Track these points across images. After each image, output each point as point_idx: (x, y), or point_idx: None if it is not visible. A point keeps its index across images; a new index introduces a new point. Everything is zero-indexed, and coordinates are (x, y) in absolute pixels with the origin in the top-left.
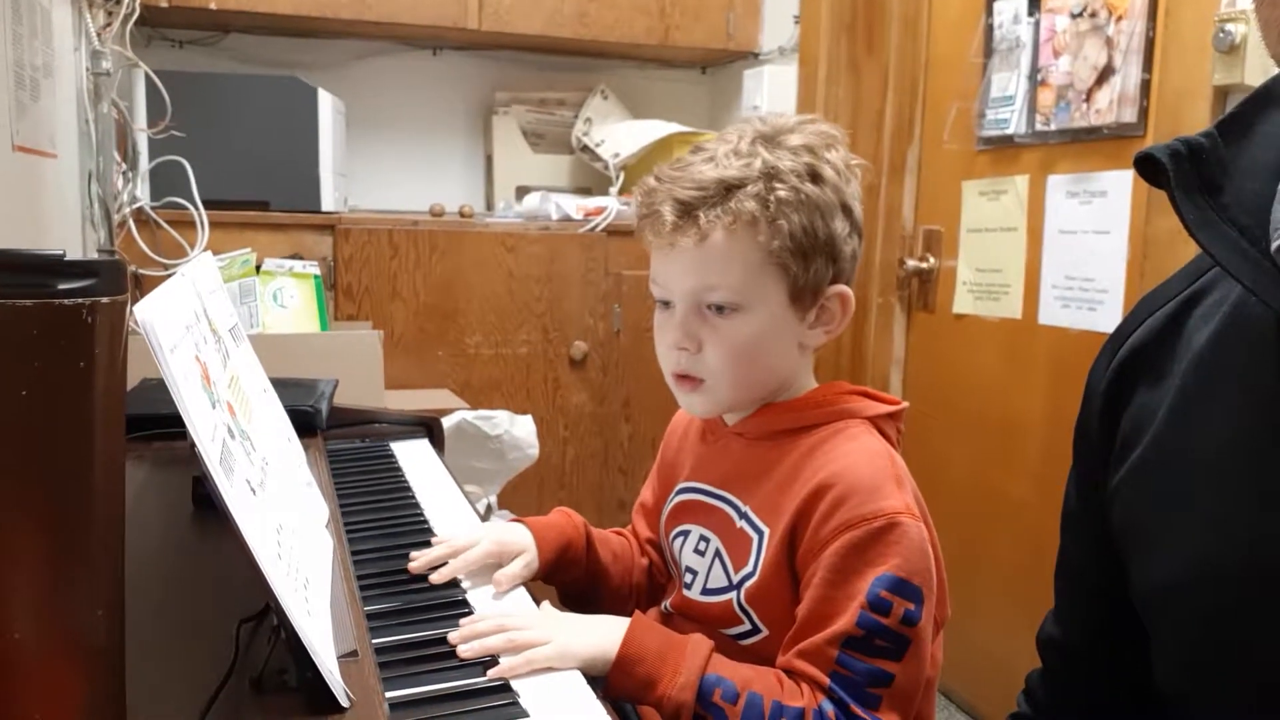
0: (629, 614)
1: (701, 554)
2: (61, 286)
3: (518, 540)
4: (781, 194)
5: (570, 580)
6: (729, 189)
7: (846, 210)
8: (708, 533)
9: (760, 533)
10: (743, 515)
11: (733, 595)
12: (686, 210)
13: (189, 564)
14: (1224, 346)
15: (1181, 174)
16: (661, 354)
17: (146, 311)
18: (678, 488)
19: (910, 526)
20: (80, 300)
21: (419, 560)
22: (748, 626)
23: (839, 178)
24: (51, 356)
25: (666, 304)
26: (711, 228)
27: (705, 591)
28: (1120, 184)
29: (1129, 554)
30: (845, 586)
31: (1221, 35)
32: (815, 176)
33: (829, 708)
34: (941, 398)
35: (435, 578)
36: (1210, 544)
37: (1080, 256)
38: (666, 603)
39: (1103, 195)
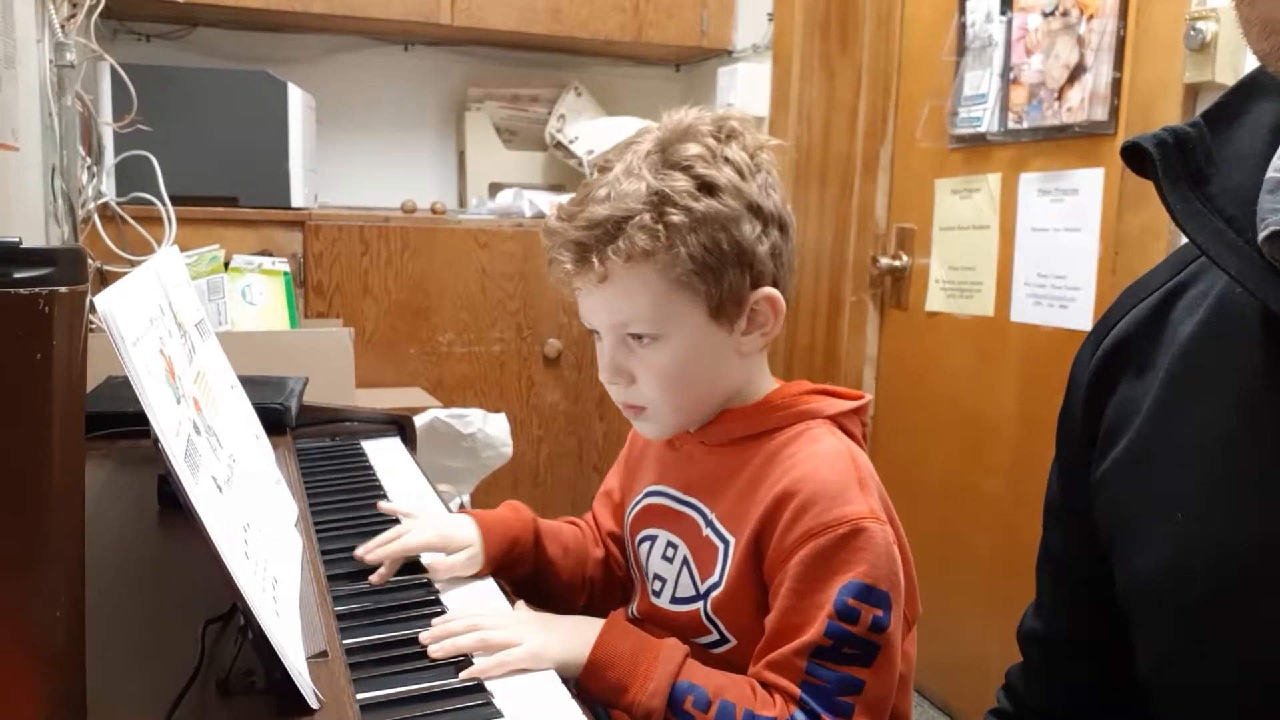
0: (579, 606)
1: (670, 560)
2: (17, 275)
3: (463, 534)
4: (674, 219)
5: (518, 576)
6: (618, 224)
7: (755, 210)
8: (675, 539)
9: (726, 542)
10: (709, 523)
11: (700, 605)
12: (582, 253)
13: (153, 563)
14: (1209, 338)
15: (1169, 164)
16: (603, 383)
17: (108, 302)
18: (645, 490)
19: (875, 531)
20: (37, 290)
21: (362, 550)
22: (716, 636)
23: (741, 178)
24: (6, 348)
25: (598, 333)
26: (608, 268)
27: (674, 600)
28: (1092, 182)
29: (1113, 546)
30: (812, 596)
31: (1192, 33)
32: (710, 189)
33: (801, 718)
34: (914, 395)
35: (375, 577)
36: (1193, 538)
37: (1052, 254)
38: (633, 608)
39: (1074, 193)
